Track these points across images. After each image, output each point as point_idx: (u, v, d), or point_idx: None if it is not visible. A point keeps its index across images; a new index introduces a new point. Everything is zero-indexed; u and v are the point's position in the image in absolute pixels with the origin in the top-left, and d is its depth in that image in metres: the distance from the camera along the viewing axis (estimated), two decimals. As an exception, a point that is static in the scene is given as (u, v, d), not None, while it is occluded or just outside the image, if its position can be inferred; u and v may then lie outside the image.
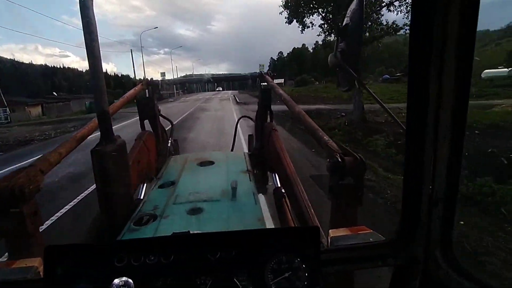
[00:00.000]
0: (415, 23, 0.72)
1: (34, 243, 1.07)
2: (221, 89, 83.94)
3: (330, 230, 1.03)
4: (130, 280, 0.66)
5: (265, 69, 3.13)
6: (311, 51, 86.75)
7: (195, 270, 0.68)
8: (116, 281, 0.66)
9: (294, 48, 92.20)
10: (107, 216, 1.41)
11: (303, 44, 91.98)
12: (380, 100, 0.99)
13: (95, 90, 1.26)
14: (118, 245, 0.73)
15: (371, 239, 0.97)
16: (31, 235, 1.06)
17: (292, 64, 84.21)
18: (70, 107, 38.06)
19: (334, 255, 0.86)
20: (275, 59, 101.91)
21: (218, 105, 28.81)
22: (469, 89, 0.71)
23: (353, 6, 1.06)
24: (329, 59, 1.17)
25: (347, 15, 1.10)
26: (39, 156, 1.26)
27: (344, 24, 1.11)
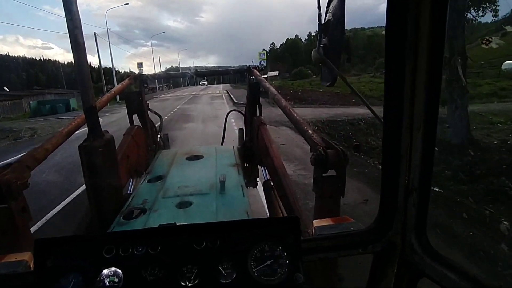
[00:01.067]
0: (390, 21, 0.76)
1: (24, 238, 1.08)
2: (206, 83, 72.83)
3: (314, 221, 1.08)
4: (119, 270, 0.69)
5: (257, 62, 3.13)
6: (304, 42, 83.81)
7: (181, 259, 0.72)
8: (105, 271, 0.69)
9: (288, 39, 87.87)
10: (96, 211, 1.42)
11: (296, 35, 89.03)
12: (361, 95, 1.03)
13: (81, 84, 1.25)
14: (106, 237, 0.75)
15: (352, 228, 1.02)
16: (20, 231, 1.07)
17: (286, 56, 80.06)
18: (22, 106, 29.17)
19: (317, 244, 0.90)
20: (267, 50, 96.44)
21: (208, 109, 19.12)
22: (440, 84, 0.75)
23: (334, 2, 1.09)
24: (312, 54, 1.20)
25: (329, 11, 1.13)
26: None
27: (326, 19, 1.14)
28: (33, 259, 0.70)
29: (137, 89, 2.73)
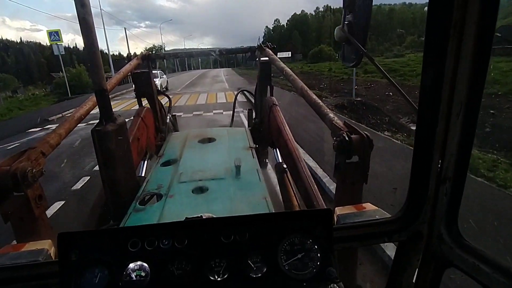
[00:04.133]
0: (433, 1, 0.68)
1: (41, 226, 1.08)
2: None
3: (336, 208, 1.04)
4: (145, 264, 0.67)
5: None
6: (312, 16, 75.68)
7: (209, 253, 0.69)
8: (131, 265, 0.67)
9: (295, 14, 78.10)
10: (111, 195, 1.41)
11: (302, 11, 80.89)
12: (391, 78, 0.96)
13: (91, 67, 1.22)
14: (131, 230, 0.73)
15: (376, 216, 0.99)
16: (38, 219, 1.06)
17: (294, 34, 70.44)
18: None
19: (341, 233, 0.88)
20: (271, 28, 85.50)
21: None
22: (487, 67, 0.68)
23: None
24: (335, 32, 1.12)
25: None
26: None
27: None
28: (58, 252, 0.68)
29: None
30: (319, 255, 0.71)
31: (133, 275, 0.66)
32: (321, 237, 0.73)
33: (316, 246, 0.72)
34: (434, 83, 0.74)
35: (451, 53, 0.69)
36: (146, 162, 2.37)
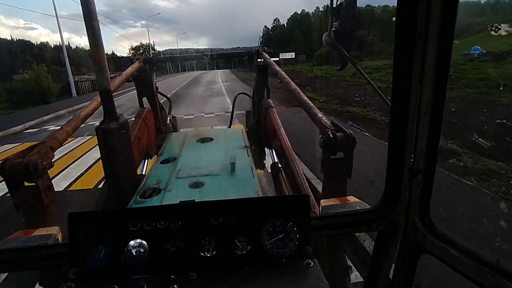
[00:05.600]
0: (401, 4, 0.77)
1: (50, 214, 1.16)
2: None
3: (321, 200, 1.13)
4: (144, 242, 0.76)
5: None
6: (313, 17, 72.25)
7: (200, 233, 0.78)
8: (132, 242, 0.76)
9: (296, 13, 75.14)
10: (113, 189, 1.50)
11: (303, 10, 78.99)
12: (370, 79, 1.05)
13: (96, 68, 1.30)
14: (132, 212, 0.82)
15: (357, 208, 1.07)
16: (46, 207, 1.15)
17: (295, 34, 67.77)
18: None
19: (324, 221, 0.96)
20: (270, 28, 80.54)
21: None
22: (448, 70, 0.77)
23: None
24: (323, 38, 1.21)
25: None
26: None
27: (338, 3, 1.14)
28: (68, 230, 0.77)
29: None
30: (298, 236, 0.80)
31: (133, 251, 0.75)
32: (300, 220, 0.81)
33: (295, 228, 0.81)
34: (404, 85, 0.82)
35: (417, 58, 0.78)
36: (146, 161, 2.46)
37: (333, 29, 1.18)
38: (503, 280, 0.67)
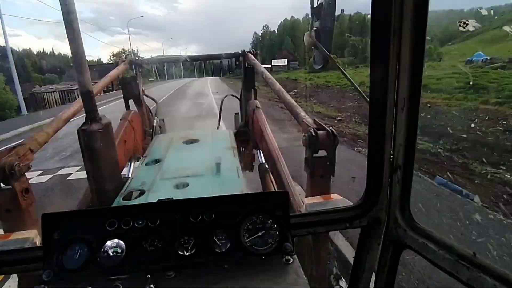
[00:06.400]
0: (376, 7, 0.79)
1: (28, 218, 1.13)
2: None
3: (305, 198, 1.14)
4: (121, 242, 0.75)
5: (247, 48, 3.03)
6: (304, 23, 72.04)
7: (179, 231, 0.78)
8: (109, 243, 0.74)
9: (286, 19, 77.52)
10: (96, 192, 1.47)
11: (292, 16, 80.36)
12: (351, 78, 1.07)
13: (77, 70, 1.28)
14: (109, 211, 0.80)
15: (340, 205, 1.08)
16: (24, 210, 1.12)
17: (286, 41, 68.99)
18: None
19: (307, 219, 0.96)
20: (260, 34, 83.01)
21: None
22: (422, 68, 0.79)
23: None
24: (304, 37, 1.23)
25: None
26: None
27: (318, 3, 1.15)
28: (41, 232, 0.75)
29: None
30: (277, 233, 0.80)
31: (110, 252, 0.73)
32: (280, 217, 0.82)
33: (275, 225, 0.81)
34: (381, 82, 0.84)
35: (393, 54, 0.80)
36: (133, 163, 2.43)
37: (314, 28, 1.20)
38: (479, 274, 0.68)
